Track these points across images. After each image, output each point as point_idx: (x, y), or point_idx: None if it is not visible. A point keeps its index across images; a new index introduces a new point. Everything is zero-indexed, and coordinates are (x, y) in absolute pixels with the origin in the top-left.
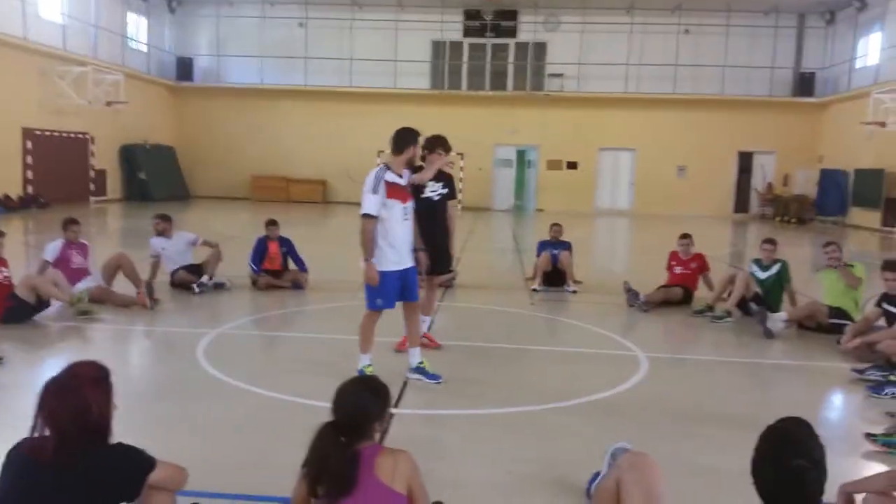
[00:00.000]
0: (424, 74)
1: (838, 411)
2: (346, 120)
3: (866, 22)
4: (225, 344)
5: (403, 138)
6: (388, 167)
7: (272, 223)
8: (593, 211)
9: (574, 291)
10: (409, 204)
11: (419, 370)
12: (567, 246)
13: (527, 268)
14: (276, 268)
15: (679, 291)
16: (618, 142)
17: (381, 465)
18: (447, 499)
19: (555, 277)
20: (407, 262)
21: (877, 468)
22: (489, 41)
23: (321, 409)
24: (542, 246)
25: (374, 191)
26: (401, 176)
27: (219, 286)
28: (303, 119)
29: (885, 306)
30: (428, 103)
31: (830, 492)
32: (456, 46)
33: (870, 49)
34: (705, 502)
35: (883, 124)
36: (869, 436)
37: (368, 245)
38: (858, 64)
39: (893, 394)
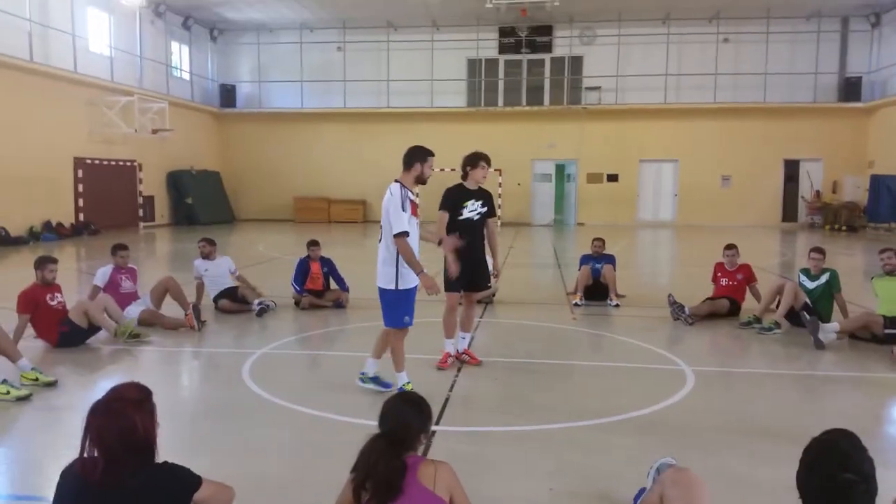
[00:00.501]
0: (461, 92)
1: (893, 422)
2: (385, 140)
3: None
4: (269, 363)
5: (412, 155)
6: (403, 185)
7: (314, 244)
8: (635, 223)
9: (617, 305)
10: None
11: (374, 380)
12: (610, 259)
13: (568, 282)
14: (318, 287)
15: (725, 303)
16: (659, 153)
17: (423, 472)
18: None
19: (596, 291)
20: (416, 279)
21: None
22: (525, 57)
23: (364, 427)
24: (584, 260)
25: (404, 208)
26: (414, 194)
27: (265, 308)
28: (342, 141)
29: None
30: (465, 121)
31: None
32: (491, 63)
33: None
34: None
35: None
36: None
37: (414, 259)
38: None
39: None
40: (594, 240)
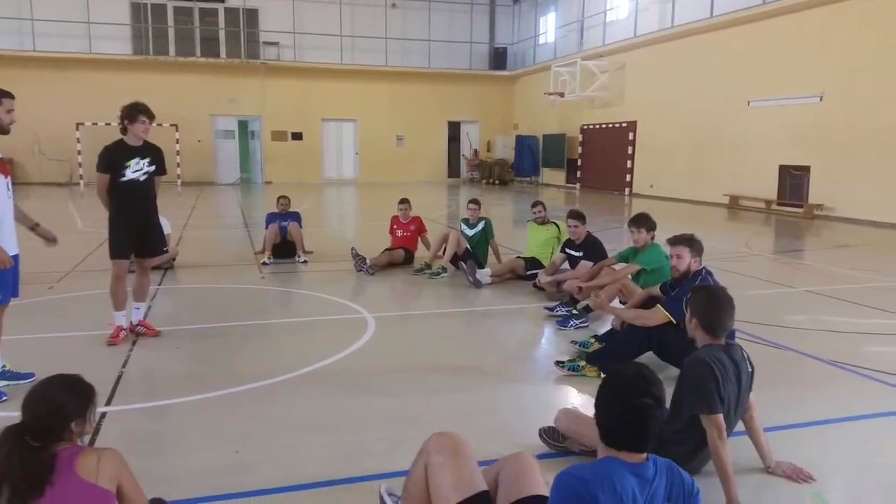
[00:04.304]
0: (125, 38)
1: (534, 344)
2: (33, 89)
3: (544, 2)
4: None
5: None
6: None
7: None
8: (321, 181)
9: (305, 262)
10: (10, 179)
11: (4, 375)
12: (296, 217)
13: (256, 242)
14: None
15: (401, 253)
16: (339, 112)
17: (82, 464)
18: (173, 491)
19: (285, 249)
20: (16, 247)
21: (566, 390)
22: (196, 5)
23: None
24: (271, 218)
25: None
26: None
27: None
28: None
29: (568, 251)
30: (132, 70)
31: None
32: (159, 9)
33: (548, 27)
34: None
35: (562, 94)
36: (558, 363)
37: None
38: (540, 40)
39: (576, 325)
40: (279, 197)
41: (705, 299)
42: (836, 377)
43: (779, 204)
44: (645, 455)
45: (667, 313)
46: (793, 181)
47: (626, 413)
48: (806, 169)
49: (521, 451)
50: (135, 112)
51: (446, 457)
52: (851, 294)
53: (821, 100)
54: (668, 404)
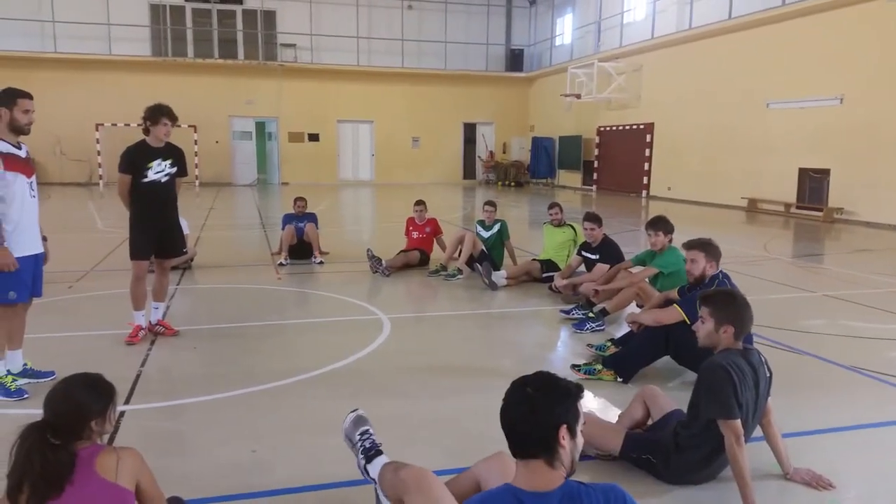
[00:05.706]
0: (144, 40)
1: (550, 347)
2: (54, 90)
3: (561, 4)
4: None
5: None
6: None
7: None
8: (337, 182)
9: (321, 262)
10: (34, 179)
11: (25, 373)
12: (312, 218)
13: (273, 243)
14: None
15: (417, 255)
16: (356, 114)
17: (102, 463)
18: (191, 490)
19: (301, 250)
20: (39, 247)
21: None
22: (214, 7)
23: (26, 417)
24: (288, 219)
25: None
26: (17, 146)
27: None
28: None
29: (584, 253)
30: (150, 71)
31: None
32: (177, 11)
33: (565, 28)
34: (440, 448)
35: (578, 96)
36: (574, 366)
37: None
38: (557, 42)
39: (592, 329)
40: (296, 199)
41: (737, 304)
42: (856, 383)
43: (798, 207)
44: (559, 479)
45: (681, 312)
46: (812, 184)
47: (511, 397)
48: (826, 172)
49: (499, 450)
50: (157, 114)
51: (423, 499)
52: (872, 299)
53: (841, 102)
54: (684, 410)
